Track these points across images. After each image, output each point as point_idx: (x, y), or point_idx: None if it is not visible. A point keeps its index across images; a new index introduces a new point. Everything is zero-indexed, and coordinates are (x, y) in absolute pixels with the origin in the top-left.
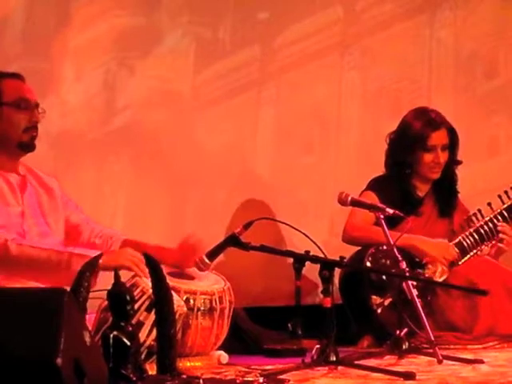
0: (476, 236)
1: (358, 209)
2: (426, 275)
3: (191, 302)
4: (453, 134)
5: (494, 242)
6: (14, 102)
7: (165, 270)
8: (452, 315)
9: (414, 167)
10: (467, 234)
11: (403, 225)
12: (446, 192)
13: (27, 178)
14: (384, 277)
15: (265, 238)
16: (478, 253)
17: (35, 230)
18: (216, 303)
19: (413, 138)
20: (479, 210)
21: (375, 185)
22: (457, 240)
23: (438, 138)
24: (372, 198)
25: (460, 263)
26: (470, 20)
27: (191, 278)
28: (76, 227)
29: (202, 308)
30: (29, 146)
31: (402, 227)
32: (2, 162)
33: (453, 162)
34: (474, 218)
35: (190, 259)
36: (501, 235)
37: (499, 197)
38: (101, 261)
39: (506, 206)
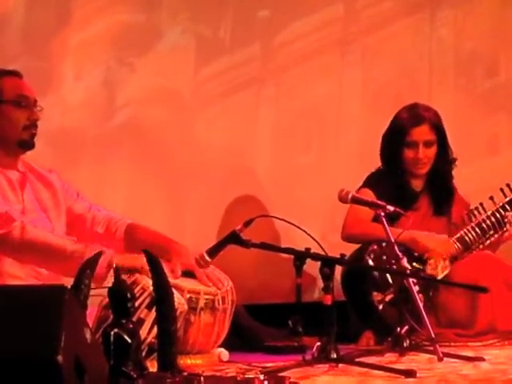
0: (478, 230)
1: (356, 206)
2: (428, 271)
3: (194, 301)
4: (439, 130)
5: (496, 236)
6: (13, 99)
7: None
8: (453, 311)
9: (402, 163)
10: (469, 228)
11: (403, 220)
12: (440, 190)
13: (27, 174)
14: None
15: (265, 235)
16: (480, 247)
17: (38, 225)
18: (219, 303)
19: (395, 134)
20: (481, 204)
21: (371, 181)
22: (458, 235)
23: (419, 134)
24: (368, 195)
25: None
26: (470, 18)
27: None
28: (79, 217)
29: (205, 307)
30: (28, 144)
31: (401, 223)
32: (2, 159)
33: (443, 159)
34: (475, 212)
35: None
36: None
37: (501, 190)
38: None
39: (508, 199)
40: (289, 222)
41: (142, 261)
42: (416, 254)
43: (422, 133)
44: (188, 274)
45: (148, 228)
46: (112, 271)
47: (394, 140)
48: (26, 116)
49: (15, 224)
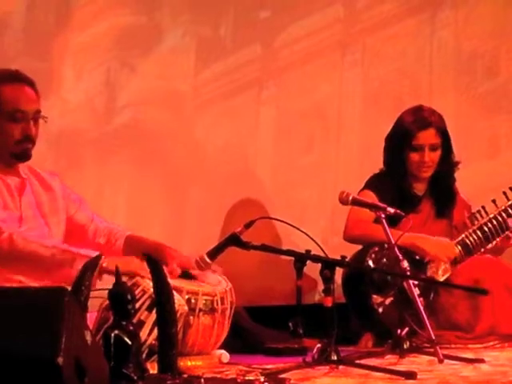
0: (479, 233)
1: (357, 207)
2: (429, 274)
3: (193, 302)
4: (444, 135)
5: (498, 239)
6: (9, 113)
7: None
8: (454, 314)
9: (406, 165)
10: (470, 231)
11: (404, 223)
12: (442, 193)
13: (27, 179)
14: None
15: (265, 237)
16: (482, 250)
17: (34, 233)
18: (218, 304)
19: (401, 137)
20: (483, 207)
21: (373, 183)
22: (460, 238)
23: (425, 137)
24: (370, 197)
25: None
26: (470, 19)
27: (193, 277)
28: (81, 227)
29: (204, 308)
30: (22, 157)
31: (402, 226)
32: (1, 166)
33: (447, 163)
34: (477, 215)
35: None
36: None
37: (504, 193)
38: (105, 264)
39: (510, 202)
40: (289, 224)
41: (136, 265)
42: (417, 257)
43: (428, 136)
44: (184, 276)
45: (144, 237)
46: (100, 276)
47: (399, 143)
48: (19, 131)
49: (3, 236)
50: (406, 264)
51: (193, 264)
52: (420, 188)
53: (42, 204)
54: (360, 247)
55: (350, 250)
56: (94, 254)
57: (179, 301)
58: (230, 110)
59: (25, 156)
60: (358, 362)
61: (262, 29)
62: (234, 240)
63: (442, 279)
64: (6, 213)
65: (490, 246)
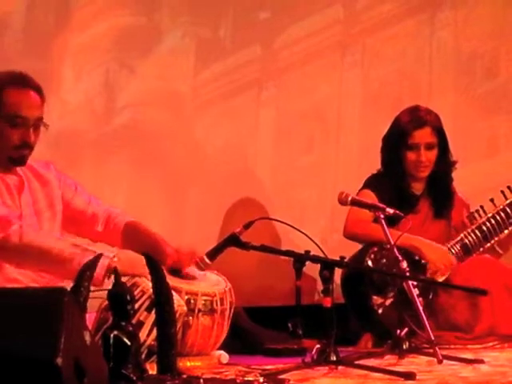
0: (478, 233)
1: (356, 207)
2: (428, 275)
3: (192, 302)
4: (440, 134)
5: (496, 239)
6: (9, 117)
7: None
8: (454, 315)
9: (403, 165)
10: (469, 231)
11: (403, 223)
12: (440, 193)
13: (24, 177)
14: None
15: (264, 237)
16: (481, 250)
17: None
18: (217, 305)
19: (397, 136)
20: (481, 207)
21: (372, 183)
22: (458, 238)
23: (421, 136)
24: (370, 197)
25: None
26: (470, 20)
27: (192, 277)
28: (80, 213)
29: (203, 309)
30: (18, 162)
31: (401, 226)
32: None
33: (444, 163)
34: (476, 215)
35: (187, 263)
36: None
37: (502, 192)
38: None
39: (509, 201)
40: (289, 225)
41: (141, 269)
42: (416, 258)
43: (423, 135)
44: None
45: (145, 229)
46: (112, 276)
47: (396, 142)
48: (18, 136)
49: (13, 228)
50: (405, 264)
51: (188, 261)
52: (418, 187)
53: (37, 201)
54: (359, 247)
55: (350, 251)
56: (105, 251)
57: (178, 301)
58: (229, 110)
59: (21, 161)
60: (357, 362)
61: (262, 30)
62: (233, 240)
63: (440, 280)
64: (7, 209)
65: (488, 245)
